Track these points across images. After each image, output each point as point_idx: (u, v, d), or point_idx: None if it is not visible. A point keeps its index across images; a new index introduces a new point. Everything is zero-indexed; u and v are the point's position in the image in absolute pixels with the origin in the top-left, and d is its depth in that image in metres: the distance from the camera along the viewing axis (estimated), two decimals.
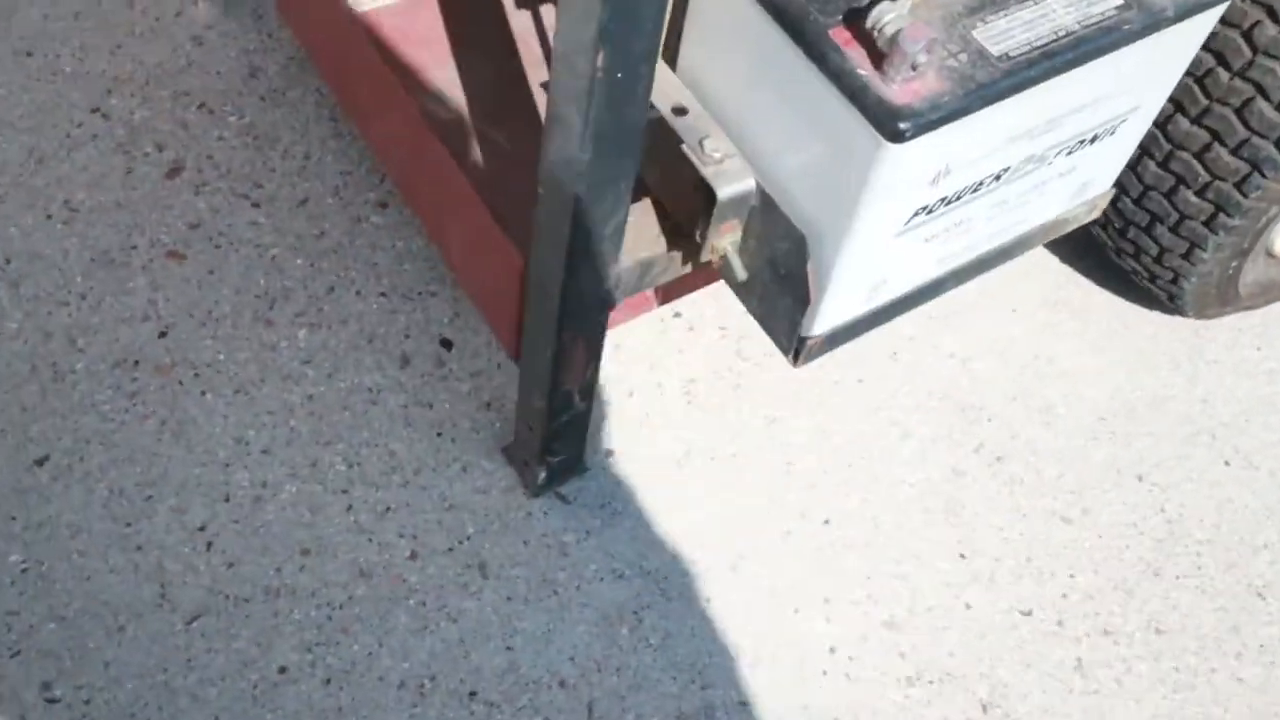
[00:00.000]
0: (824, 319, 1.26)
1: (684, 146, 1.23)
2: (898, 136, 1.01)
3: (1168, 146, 1.60)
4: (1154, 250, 1.72)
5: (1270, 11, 1.45)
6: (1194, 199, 1.62)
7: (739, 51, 1.19)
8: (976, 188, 1.21)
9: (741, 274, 1.26)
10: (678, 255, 1.36)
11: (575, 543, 1.60)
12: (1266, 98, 1.43)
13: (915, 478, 1.76)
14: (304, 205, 1.83)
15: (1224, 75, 1.50)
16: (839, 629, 1.59)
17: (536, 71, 1.66)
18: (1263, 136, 1.51)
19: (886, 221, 1.17)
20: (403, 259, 1.83)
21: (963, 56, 1.05)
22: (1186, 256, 1.68)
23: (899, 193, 1.13)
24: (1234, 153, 1.54)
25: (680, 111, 1.25)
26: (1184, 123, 1.57)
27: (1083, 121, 1.22)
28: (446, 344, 1.76)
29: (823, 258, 1.20)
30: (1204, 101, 1.54)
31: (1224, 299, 1.82)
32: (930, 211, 1.20)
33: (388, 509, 1.59)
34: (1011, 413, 1.83)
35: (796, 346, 1.27)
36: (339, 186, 1.88)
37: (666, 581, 1.60)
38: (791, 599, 1.62)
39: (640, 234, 1.37)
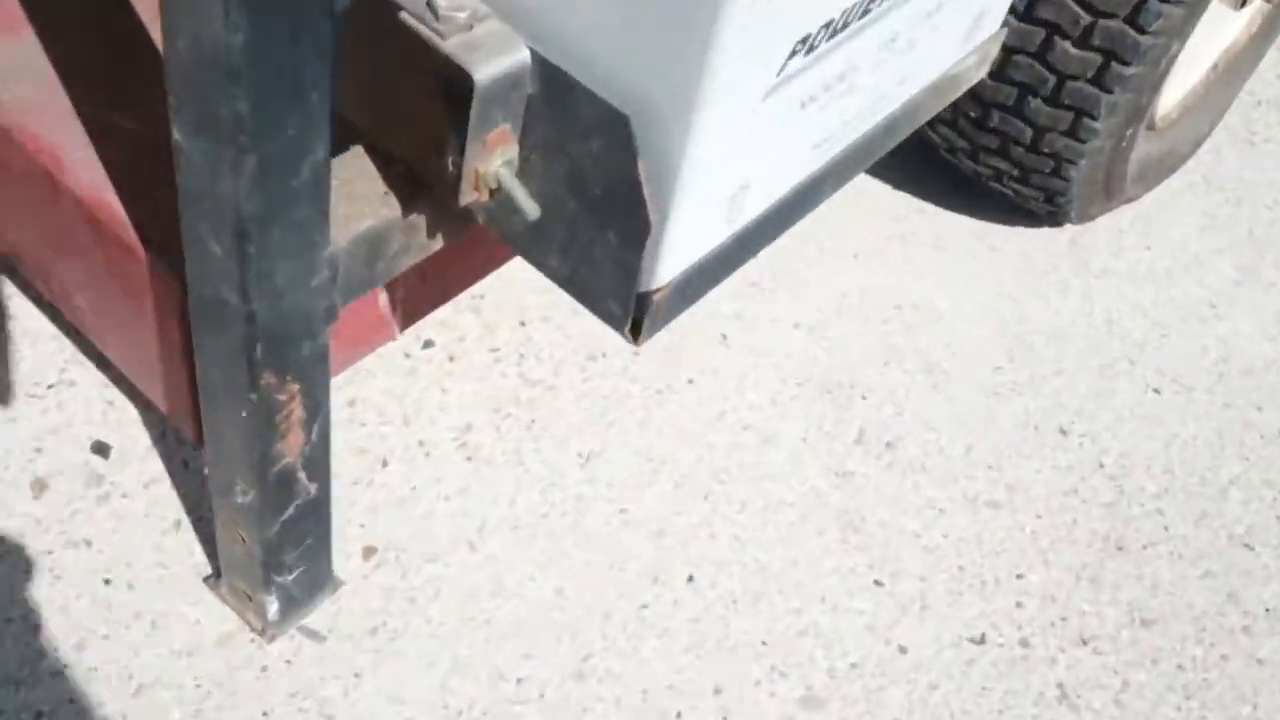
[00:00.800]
0: (672, 255, 0.78)
1: (404, 16, 0.73)
2: None
3: None
4: (1026, 136, 1.32)
5: None
6: (1075, 52, 1.22)
7: None
8: (866, 5, 0.76)
9: (531, 210, 0.77)
10: (421, 220, 0.86)
11: (343, 694, 1.05)
12: None
13: (793, 494, 1.30)
14: None
15: None
16: None
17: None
18: None
19: (753, 70, 0.70)
20: (18, 343, 1.26)
21: None
22: (1071, 133, 1.29)
23: (770, 10, 0.67)
24: None
25: None
26: None
27: None
28: (101, 449, 1.20)
29: (661, 150, 0.72)
30: None
31: (1110, 189, 1.45)
32: (811, 48, 0.74)
33: (39, 716, 1.01)
34: (888, 382, 1.40)
35: (636, 308, 0.79)
36: None
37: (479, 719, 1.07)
38: (669, 702, 1.12)
39: (356, 195, 0.86)
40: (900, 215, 1.57)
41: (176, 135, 0.74)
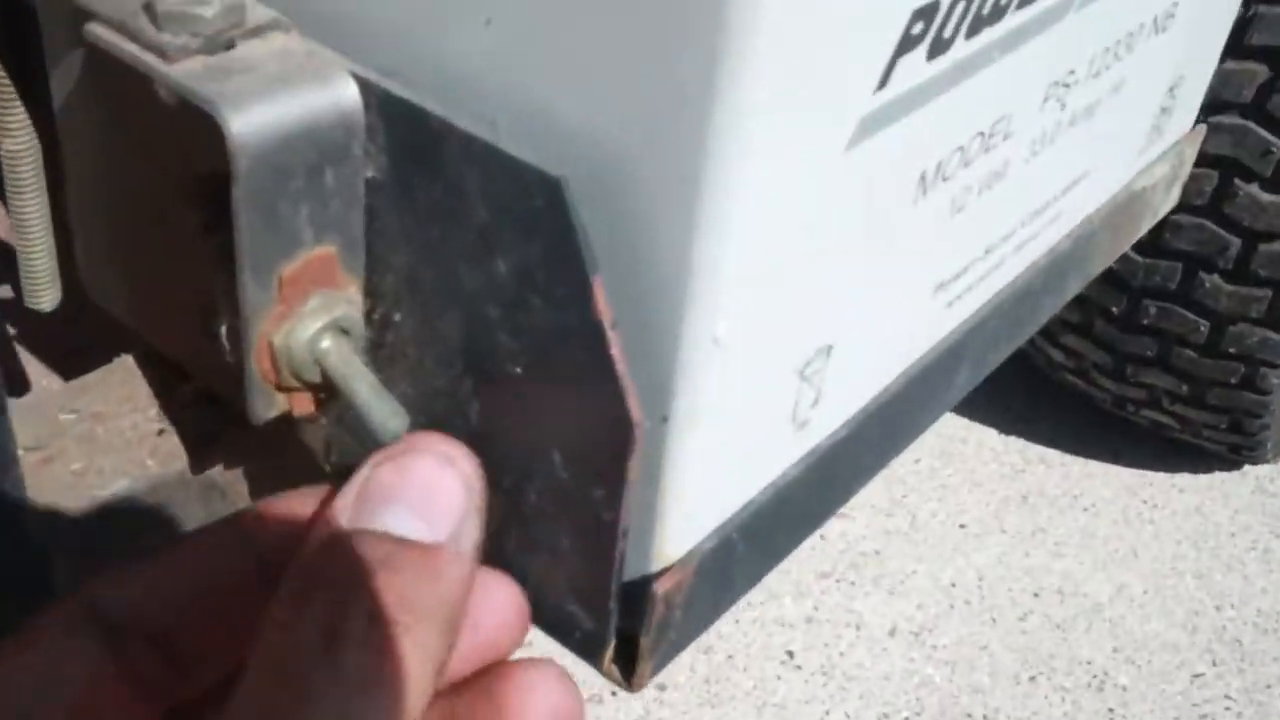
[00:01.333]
0: (690, 499, 0.38)
1: (92, 30, 0.36)
2: None
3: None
4: (1200, 333, 0.92)
5: None
6: (1269, 197, 0.84)
7: None
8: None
9: (389, 423, 0.37)
10: (231, 476, 0.47)
11: None
12: None
13: None
14: None
15: None
16: None
17: None
18: None
19: (832, 71, 0.32)
20: None
21: None
22: (1274, 320, 0.89)
23: None
24: None
25: None
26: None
27: None
28: None
29: (647, 251, 0.33)
30: None
31: None
32: (937, 44, 0.36)
33: None
34: (1038, 708, 0.95)
35: (624, 616, 0.38)
36: None
37: None
38: None
39: (109, 440, 0.47)
40: (1018, 467, 1.16)
41: None
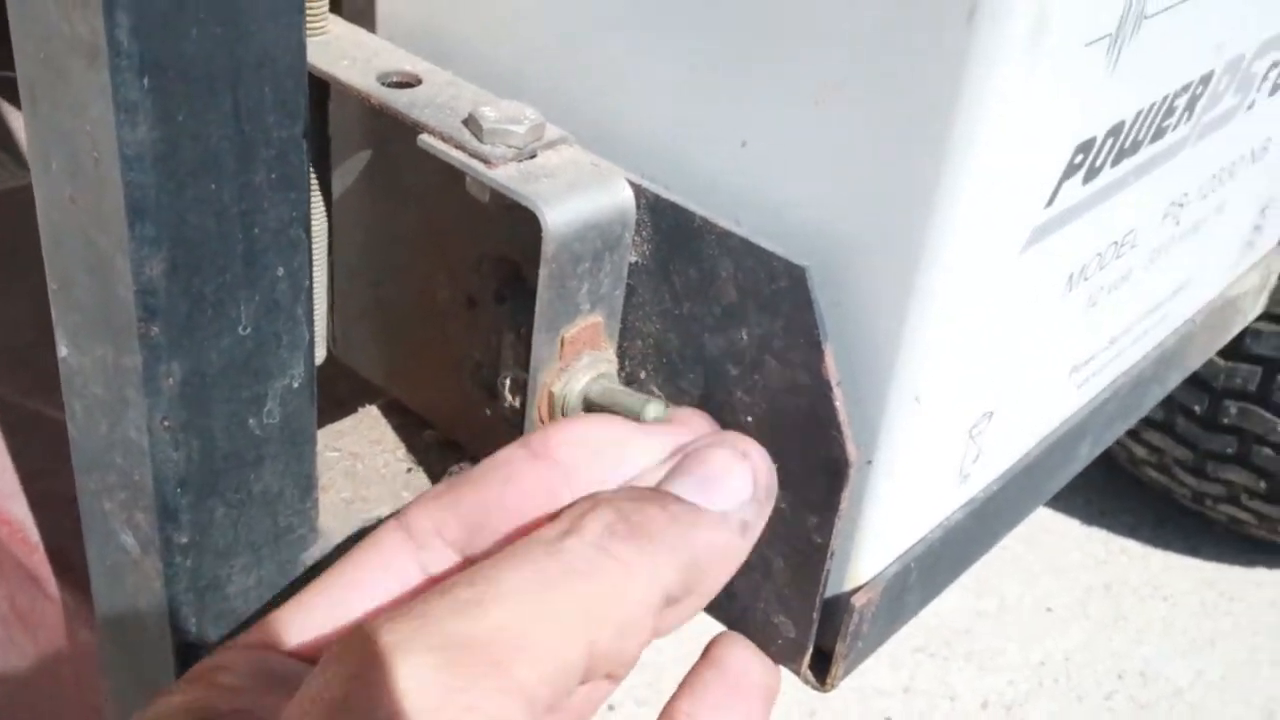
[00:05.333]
0: (883, 529, 0.46)
1: (426, 140, 0.46)
2: None
3: None
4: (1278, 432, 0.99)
5: None
6: None
7: None
8: (1159, 121, 0.48)
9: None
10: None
11: None
12: None
13: None
14: None
15: None
16: None
17: None
18: None
19: (1016, 192, 0.41)
20: None
21: None
22: None
23: (1050, 92, 0.39)
24: None
25: (406, 83, 0.49)
26: None
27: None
28: None
29: (865, 331, 0.42)
30: None
31: None
32: (1091, 170, 0.45)
33: None
34: None
35: (824, 625, 0.46)
36: None
37: None
38: None
39: (363, 473, 0.57)
40: (1100, 557, 1.22)
41: (61, 347, 0.46)
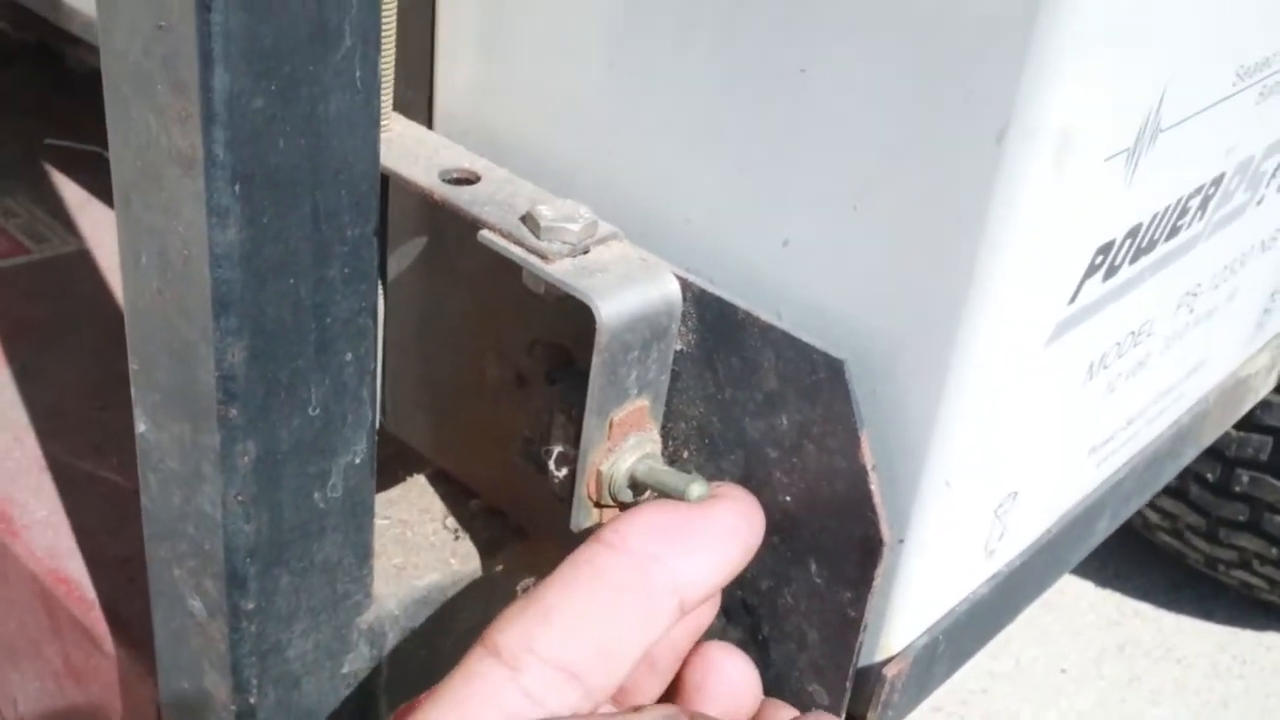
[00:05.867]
0: (914, 603, 0.49)
1: (487, 235, 0.49)
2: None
3: None
4: None
5: None
6: None
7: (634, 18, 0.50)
8: (1174, 221, 0.51)
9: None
10: (507, 572, 0.58)
11: None
12: None
13: None
14: None
15: None
16: None
17: None
18: None
19: (1043, 289, 0.44)
20: None
21: None
22: None
23: (1074, 196, 0.42)
24: None
25: (466, 180, 0.52)
26: None
27: None
28: None
29: (900, 419, 0.45)
30: None
31: None
32: (1111, 268, 0.48)
33: None
34: None
35: (856, 695, 0.49)
36: None
37: None
38: None
39: (413, 540, 0.59)
40: (1113, 619, 1.24)
41: (139, 423, 0.48)
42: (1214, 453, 1.04)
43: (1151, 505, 1.13)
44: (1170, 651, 1.20)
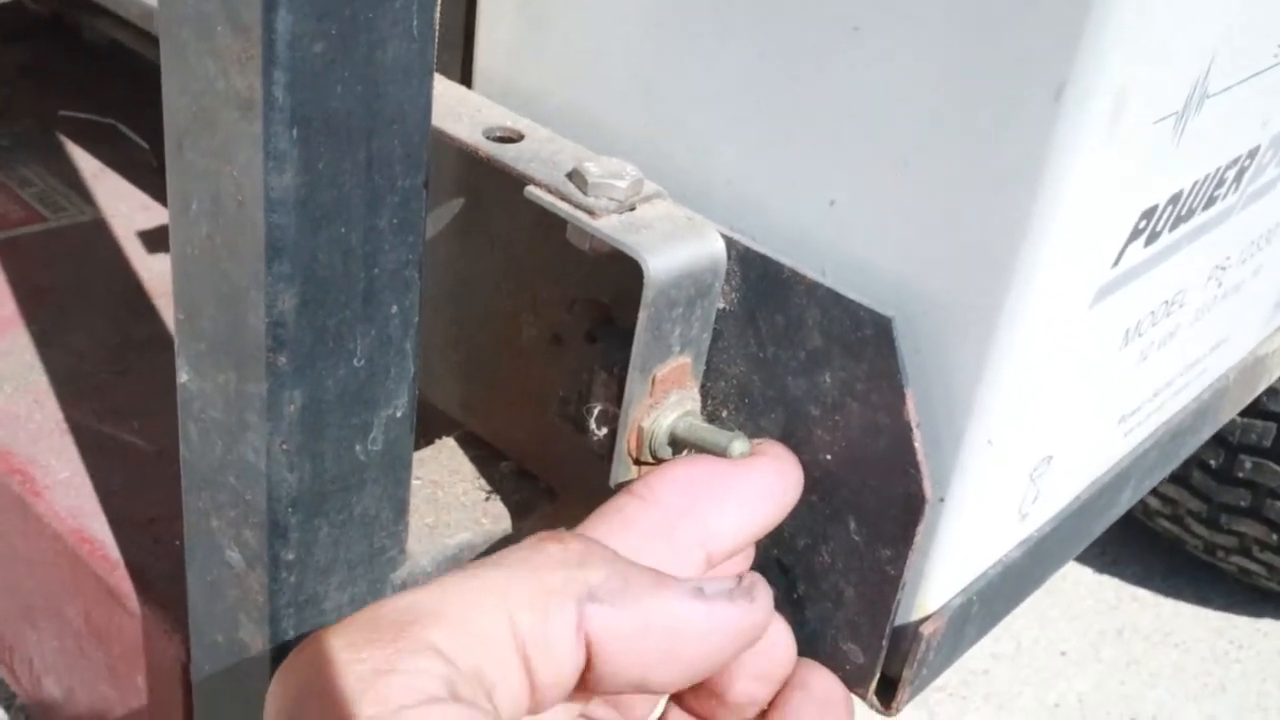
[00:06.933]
0: (951, 563, 0.49)
1: (534, 191, 0.49)
2: None
3: None
4: None
5: None
6: None
7: None
8: (1211, 191, 0.52)
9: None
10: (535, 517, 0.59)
11: None
12: None
13: None
14: None
15: None
16: None
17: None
18: None
19: (1089, 251, 0.44)
20: None
21: None
22: None
23: (1123, 161, 0.42)
24: None
25: (509, 138, 0.52)
26: None
27: None
28: None
29: (943, 379, 0.45)
30: None
31: None
32: (1153, 234, 0.48)
33: None
34: None
35: (892, 653, 0.49)
36: None
37: None
38: None
39: (445, 500, 0.60)
40: (1111, 603, 1.25)
41: (181, 373, 0.48)
42: (1217, 438, 1.04)
43: (1153, 491, 1.14)
44: (1168, 636, 1.22)
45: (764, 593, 0.38)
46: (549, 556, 0.34)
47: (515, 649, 0.31)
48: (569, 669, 0.33)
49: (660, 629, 0.34)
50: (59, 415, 0.74)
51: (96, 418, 0.75)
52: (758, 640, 0.38)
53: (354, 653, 0.28)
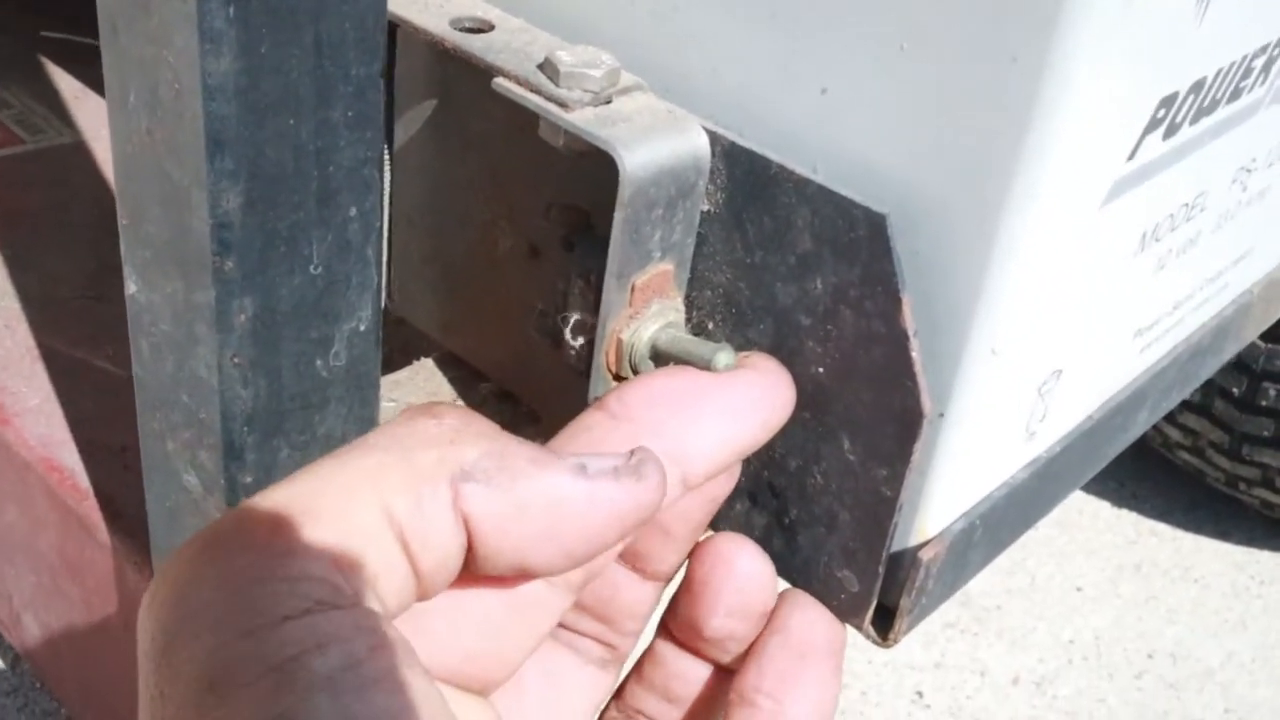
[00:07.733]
0: (951, 484, 0.46)
1: (502, 83, 0.45)
2: None
3: None
4: None
5: None
6: None
7: None
8: (1237, 82, 0.48)
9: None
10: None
11: None
12: None
13: None
14: None
15: None
16: None
17: None
18: None
19: (1103, 140, 0.41)
20: None
21: None
22: None
23: (1138, 38, 0.38)
24: None
25: (479, 29, 0.49)
26: None
27: None
28: None
29: (943, 284, 0.42)
30: None
31: None
32: (1172, 126, 0.45)
33: None
34: None
35: (889, 579, 0.46)
36: None
37: None
38: None
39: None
40: (1130, 538, 1.22)
41: (129, 283, 0.45)
42: (1240, 365, 1.00)
43: (1173, 422, 1.10)
44: (1188, 571, 1.18)
45: (654, 471, 0.34)
46: (422, 435, 0.31)
47: (395, 538, 0.29)
48: (452, 552, 0.30)
49: (538, 508, 0.31)
50: (30, 341, 0.72)
51: (69, 343, 0.72)
52: (648, 521, 0.34)
53: (227, 562, 0.26)
